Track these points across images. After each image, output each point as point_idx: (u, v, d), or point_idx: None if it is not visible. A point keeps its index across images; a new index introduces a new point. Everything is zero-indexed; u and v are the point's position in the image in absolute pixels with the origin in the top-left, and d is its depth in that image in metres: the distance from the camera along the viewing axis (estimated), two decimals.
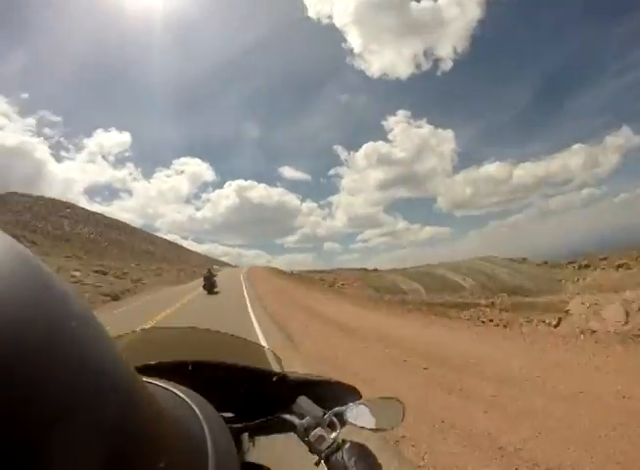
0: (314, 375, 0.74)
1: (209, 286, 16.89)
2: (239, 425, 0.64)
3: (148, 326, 6.72)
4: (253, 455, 0.69)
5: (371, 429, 0.62)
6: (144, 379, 0.24)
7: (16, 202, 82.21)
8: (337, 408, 0.62)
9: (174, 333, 0.87)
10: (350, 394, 0.70)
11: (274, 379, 0.67)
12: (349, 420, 0.61)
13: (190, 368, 0.64)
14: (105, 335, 0.22)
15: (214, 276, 17.52)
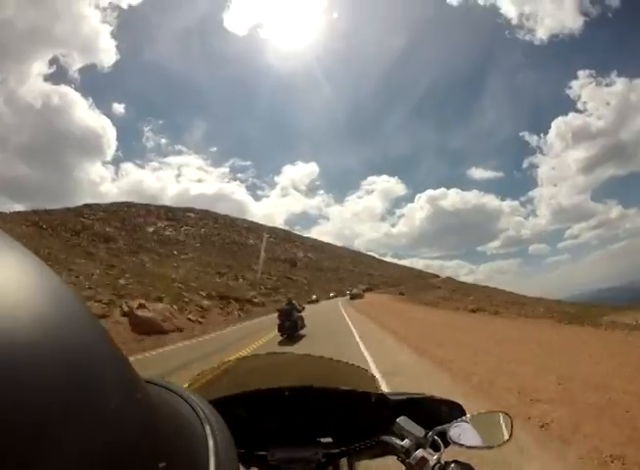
0: (415, 393, 0.72)
1: (290, 327, 10.41)
2: (336, 450, 0.65)
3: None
4: None
5: (476, 447, 0.60)
6: (145, 379, 0.24)
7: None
8: (439, 427, 0.59)
9: (272, 360, 0.89)
10: (453, 410, 0.67)
11: (372, 400, 0.66)
12: (453, 439, 0.59)
13: (286, 394, 0.66)
14: (105, 335, 0.22)
15: (299, 310, 11.18)
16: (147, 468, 0.20)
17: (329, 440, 0.66)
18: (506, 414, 0.63)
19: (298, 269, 66.61)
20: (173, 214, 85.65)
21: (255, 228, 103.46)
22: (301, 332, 11.00)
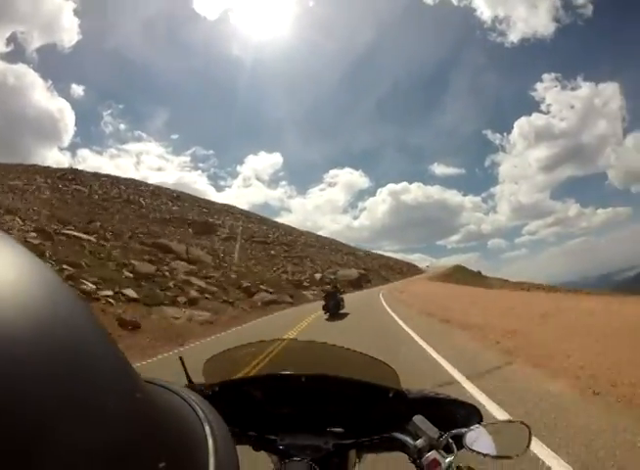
0: (433, 392, 0.71)
1: (334, 306, 12.45)
2: (347, 441, 0.64)
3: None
4: None
5: (491, 456, 0.58)
6: (144, 379, 0.24)
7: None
8: (455, 430, 0.58)
9: (294, 346, 0.86)
10: (471, 415, 0.65)
11: (390, 395, 0.65)
12: (468, 444, 0.57)
13: (303, 380, 0.64)
14: (104, 333, 0.22)
15: (341, 293, 13.10)
16: (147, 468, 0.20)
17: (340, 430, 0.65)
18: (524, 425, 0.60)
19: (213, 239, 41.76)
20: (75, 176, 65.37)
21: (170, 193, 69.44)
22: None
